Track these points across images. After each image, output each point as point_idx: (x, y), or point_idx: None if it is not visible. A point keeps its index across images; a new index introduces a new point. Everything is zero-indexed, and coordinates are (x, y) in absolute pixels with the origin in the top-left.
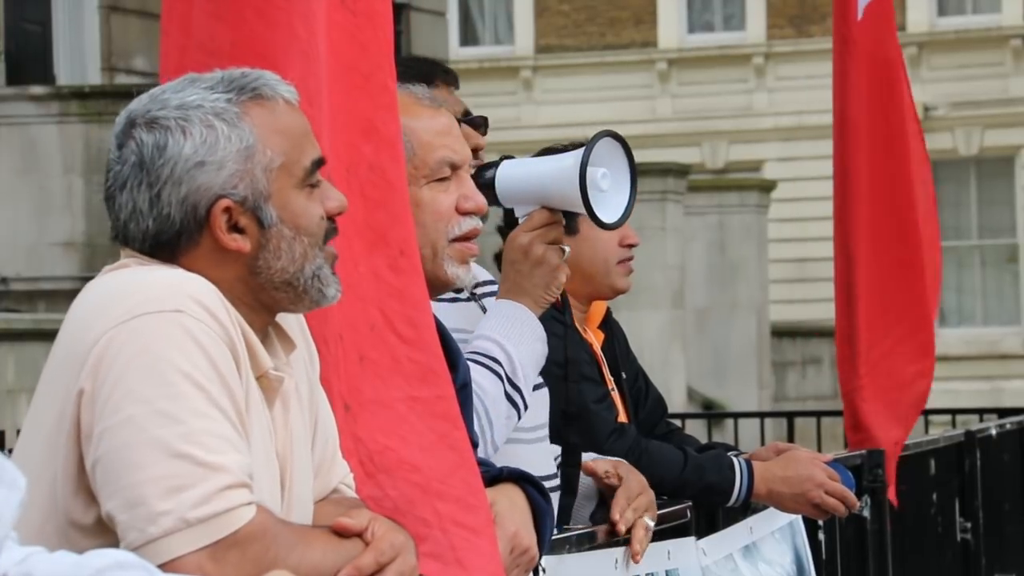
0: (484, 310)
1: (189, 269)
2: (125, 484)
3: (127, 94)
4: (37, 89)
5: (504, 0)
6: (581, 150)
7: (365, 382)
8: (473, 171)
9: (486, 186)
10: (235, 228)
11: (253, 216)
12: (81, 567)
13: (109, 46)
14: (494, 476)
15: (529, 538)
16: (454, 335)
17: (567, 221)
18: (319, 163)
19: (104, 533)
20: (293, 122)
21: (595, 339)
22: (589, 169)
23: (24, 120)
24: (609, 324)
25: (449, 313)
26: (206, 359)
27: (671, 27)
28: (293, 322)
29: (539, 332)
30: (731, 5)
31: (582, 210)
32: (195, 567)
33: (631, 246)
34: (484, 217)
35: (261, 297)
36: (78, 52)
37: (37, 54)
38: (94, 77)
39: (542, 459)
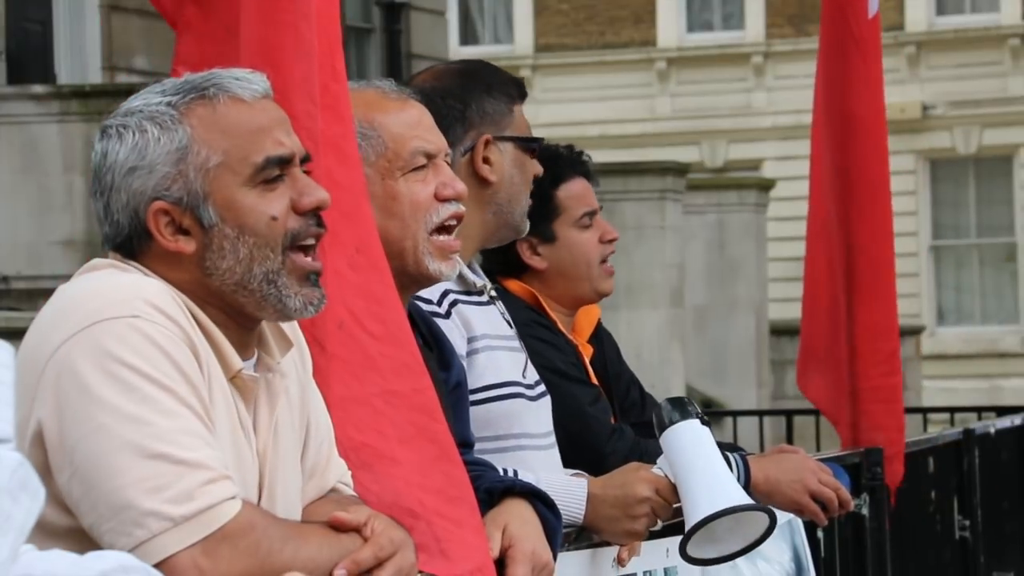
0: (501, 313)
1: (150, 271)
2: (105, 491)
3: (128, 93)
4: (38, 88)
5: None
6: (742, 499)
7: (334, 379)
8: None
9: (658, 426)
10: (180, 230)
11: (194, 217)
12: (82, 568)
13: (110, 45)
14: (507, 487)
15: (546, 553)
16: (482, 340)
17: (544, 230)
18: (280, 160)
19: (73, 539)
20: (241, 119)
21: (583, 352)
22: (721, 520)
23: (25, 119)
24: (599, 337)
25: (477, 317)
26: (168, 361)
27: (670, 26)
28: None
29: (558, 528)
30: (730, 4)
31: (687, 525)
32: (190, 564)
33: (612, 241)
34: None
35: (227, 300)
36: (79, 51)
37: (38, 53)
38: (95, 76)
39: (553, 466)
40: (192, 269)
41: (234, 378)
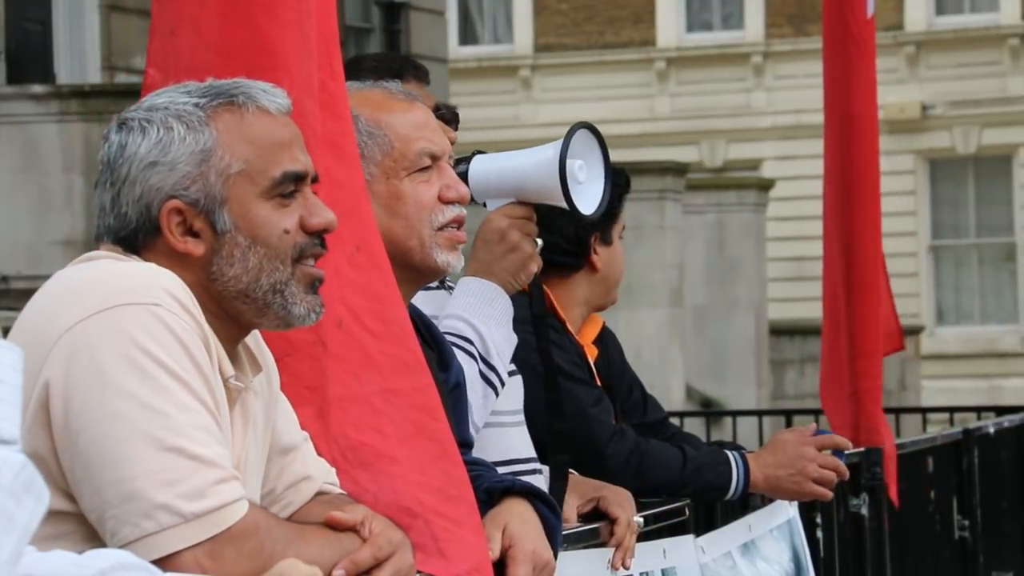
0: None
1: None
2: (116, 479)
3: (127, 93)
4: (37, 88)
5: None
6: (559, 143)
7: (332, 379)
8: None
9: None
10: (190, 231)
11: (207, 220)
12: (82, 567)
13: (109, 45)
14: (507, 487)
15: (547, 552)
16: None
17: (602, 231)
18: (296, 176)
19: (63, 521)
20: (267, 131)
21: (588, 354)
22: (567, 161)
23: (24, 119)
24: (603, 339)
25: (422, 301)
26: (185, 352)
27: (670, 26)
28: (251, 341)
29: (509, 312)
30: (730, 4)
31: (561, 202)
32: (193, 564)
33: None
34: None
35: (225, 306)
36: (78, 51)
37: (37, 53)
38: (94, 76)
39: (525, 442)
40: (196, 272)
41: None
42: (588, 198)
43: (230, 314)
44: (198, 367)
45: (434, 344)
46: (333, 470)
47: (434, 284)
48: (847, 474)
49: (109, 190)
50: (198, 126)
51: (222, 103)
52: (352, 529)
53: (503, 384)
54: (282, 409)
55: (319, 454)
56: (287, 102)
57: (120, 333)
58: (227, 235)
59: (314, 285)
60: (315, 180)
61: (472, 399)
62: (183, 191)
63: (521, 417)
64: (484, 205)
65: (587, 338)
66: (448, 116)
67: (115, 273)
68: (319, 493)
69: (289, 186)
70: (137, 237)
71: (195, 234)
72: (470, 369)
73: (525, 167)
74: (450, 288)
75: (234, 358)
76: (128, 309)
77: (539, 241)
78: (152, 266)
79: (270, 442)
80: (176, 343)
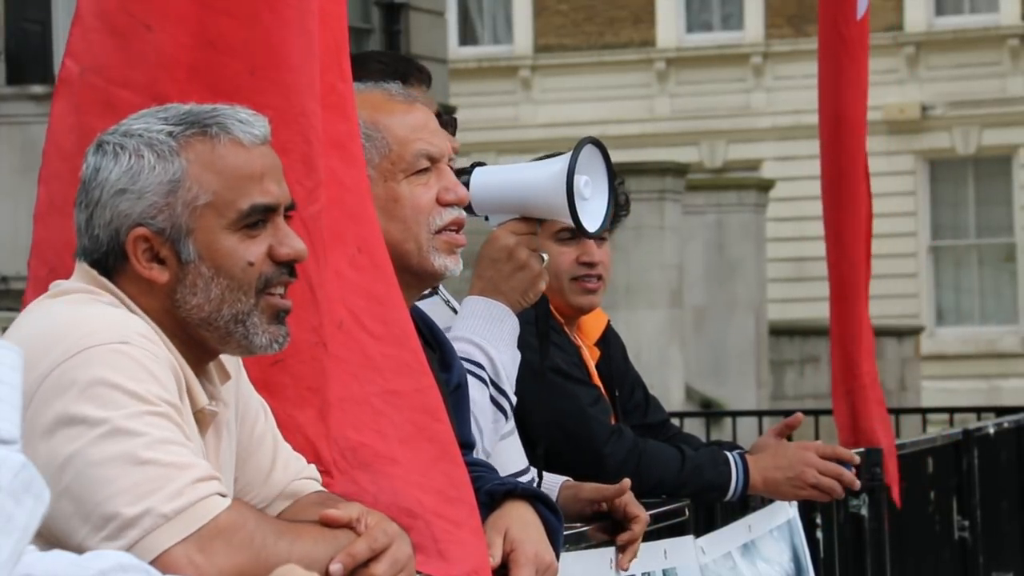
0: (448, 303)
1: (123, 291)
2: (98, 500)
3: None
4: (37, 88)
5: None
6: (565, 157)
7: (332, 380)
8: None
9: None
10: (156, 258)
11: (172, 249)
12: (82, 568)
13: None
14: (508, 490)
15: (549, 554)
16: None
17: None
18: (265, 208)
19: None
20: (237, 163)
21: (589, 355)
22: (574, 177)
23: (24, 119)
24: (607, 341)
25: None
26: (156, 383)
27: (669, 26)
28: None
29: (516, 332)
30: (729, 5)
31: (567, 219)
32: (185, 560)
33: (589, 264)
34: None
35: (190, 332)
36: None
37: (37, 53)
38: None
39: (517, 452)
40: (161, 298)
41: (196, 412)
42: (591, 215)
43: (195, 339)
44: (169, 394)
45: (436, 345)
46: (312, 466)
47: (426, 291)
48: (855, 484)
49: (84, 211)
50: (168, 156)
51: (195, 132)
52: (347, 526)
53: (512, 407)
54: (249, 406)
55: (319, 455)
56: (264, 132)
57: (92, 372)
58: (191, 265)
59: (279, 316)
60: (291, 208)
61: (483, 424)
62: (150, 220)
63: (511, 425)
64: (486, 219)
65: (590, 338)
66: (447, 121)
67: (84, 318)
68: (299, 492)
69: (256, 217)
70: (108, 260)
71: (161, 261)
72: (481, 395)
73: (530, 182)
74: (442, 295)
75: (204, 374)
76: (99, 349)
77: (545, 257)
78: (122, 312)
79: (236, 440)
80: (147, 375)
